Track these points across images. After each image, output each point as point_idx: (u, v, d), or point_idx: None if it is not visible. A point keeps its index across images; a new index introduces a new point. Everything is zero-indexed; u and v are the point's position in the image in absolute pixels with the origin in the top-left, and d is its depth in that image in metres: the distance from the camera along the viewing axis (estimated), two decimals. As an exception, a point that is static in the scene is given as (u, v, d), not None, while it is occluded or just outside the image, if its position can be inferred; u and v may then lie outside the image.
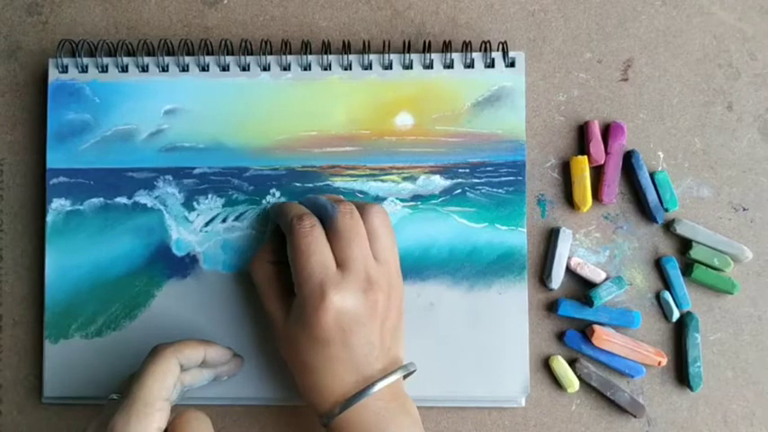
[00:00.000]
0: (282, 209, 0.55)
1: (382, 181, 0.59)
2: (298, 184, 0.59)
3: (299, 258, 0.51)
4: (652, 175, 0.59)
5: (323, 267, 0.51)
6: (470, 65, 0.59)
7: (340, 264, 0.51)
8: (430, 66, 0.59)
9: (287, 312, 0.53)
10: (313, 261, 0.51)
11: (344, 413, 0.50)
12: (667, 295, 0.59)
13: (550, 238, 0.60)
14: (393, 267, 0.54)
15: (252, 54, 0.60)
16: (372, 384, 0.50)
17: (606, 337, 0.58)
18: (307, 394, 0.53)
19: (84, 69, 0.60)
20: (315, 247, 0.51)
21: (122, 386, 0.51)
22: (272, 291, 0.55)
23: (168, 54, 0.60)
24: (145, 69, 0.60)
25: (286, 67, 0.60)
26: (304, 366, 0.52)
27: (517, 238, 0.58)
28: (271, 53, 0.60)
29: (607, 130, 0.60)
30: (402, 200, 0.59)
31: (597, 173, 0.60)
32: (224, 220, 0.59)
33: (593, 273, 0.59)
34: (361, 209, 0.54)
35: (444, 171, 0.59)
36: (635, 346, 0.58)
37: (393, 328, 0.53)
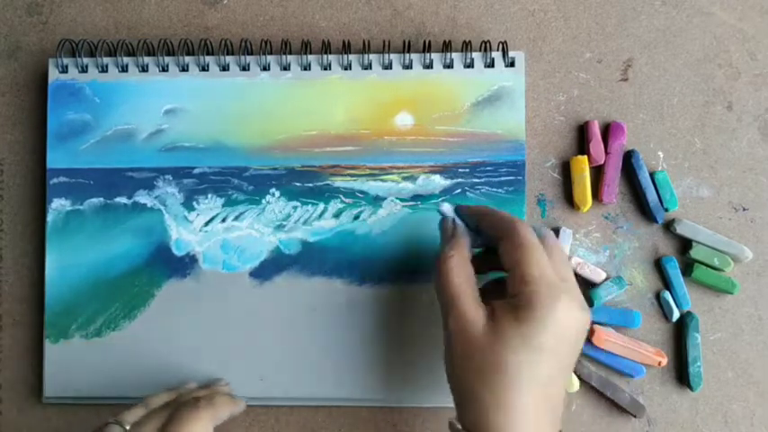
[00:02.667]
0: (490, 210, 0.53)
1: (382, 181, 0.59)
2: (298, 184, 0.59)
3: (532, 258, 0.48)
4: (652, 175, 0.59)
5: (550, 271, 0.48)
6: (470, 65, 0.59)
7: (560, 277, 0.49)
8: (430, 65, 0.59)
9: (482, 314, 0.49)
10: (542, 260, 0.48)
11: None
12: (667, 295, 0.59)
13: (550, 238, 0.60)
14: None
15: (252, 54, 0.60)
16: None
17: (606, 337, 0.58)
18: (479, 411, 0.47)
19: (84, 69, 0.60)
20: (541, 248, 0.49)
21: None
22: (470, 290, 0.50)
23: (168, 54, 0.60)
24: (145, 69, 0.60)
25: (286, 67, 0.60)
26: (496, 377, 0.47)
27: (517, 237, 0.58)
28: (271, 53, 0.60)
29: (607, 130, 0.60)
30: (402, 199, 0.59)
31: (597, 173, 0.60)
32: (224, 220, 0.59)
33: (594, 273, 0.59)
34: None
35: (444, 171, 0.59)
36: (635, 346, 0.58)
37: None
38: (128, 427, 0.50)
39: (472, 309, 0.49)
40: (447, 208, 0.53)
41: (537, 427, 0.47)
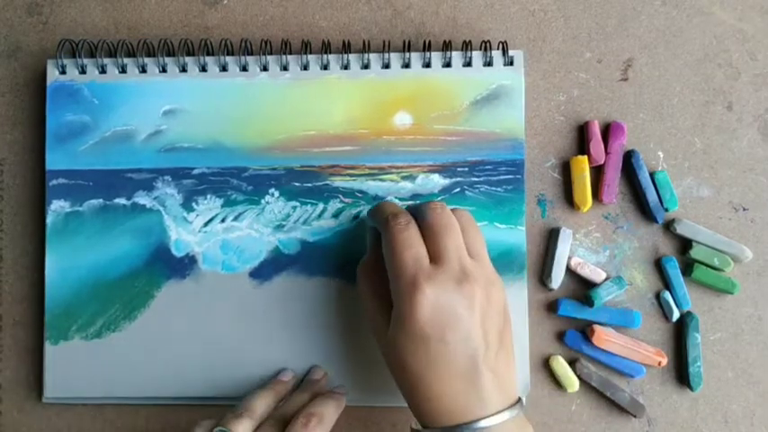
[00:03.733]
0: (377, 209, 0.54)
1: (381, 180, 0.59)
2: (297, 184, 0.59)
3: (393, 254, 0.50)
4: (652, 175, 0.59)
5: (416, 261, 0.49)
6: (469, 63, 0.59)
7: (434, 258, 0.50)
8: (428, 64, 0.59)
9: (388, 319, 0.51)
10: (406, 255, 0.49)
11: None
12: (667, 295, 0.59)
13: (550, 238, 0.60)
14: (488, 264, 0.52)
15: (252, 54, 0.60)
16: (479, 419, 0.48)
17: (606, 337, 0.58)
18: (414, 403, 0.50)
19: (83, 70, 0.60)
20: (409, 241, 0.50)
21: None
22: (376, 298, 0.53)
23: (168, 54, 0.60)
24: (144, 70, 0.60)
25: (285, 67, 0.60)
26: (410, 375, 0.49)
27: (516, 236, 0.58)
28: (271, 53, 0.60)
29: (607, 130, 0.60)
30: (401, 199, 0.59)
31: (597, 173, 0.60)
32: (223, 221, 0.59)
33: (594, 273, 0.59)
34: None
35: (443, 170, 0.59)
36: (635, 346, 0.58)
37: (498, 333, 0.50)
38: None
39: (377, 317, 0.53)
40: (372, 212, 0.55)
41: (466, 403, 0.48)
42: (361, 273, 0.55)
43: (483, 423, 0.47)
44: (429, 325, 0.48)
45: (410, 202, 0.59)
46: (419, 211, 0.52)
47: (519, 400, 0.50)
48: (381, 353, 0.53)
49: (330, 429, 0.53)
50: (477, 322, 0.49)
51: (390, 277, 0.50)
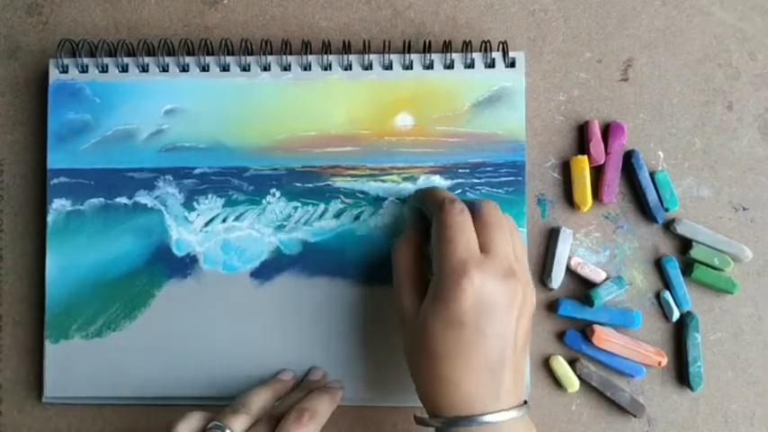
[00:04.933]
0: (431, 192, 0.55)
1: (383, 181, 0.59)
2: (298, 185, 0.59)
3: (445, 236, 0.50)
4: (652, 175, 0.59)
5: (467, 247, 0.49)
6: (470, 65, 0.59)
7: (483, 249, 0.50)
8: (430, 66, 0.59)
9: (420, 300, 0.51)
10: (460, 239, 0.49)
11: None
12: (667, 295, 0.59)
13: (550, 238, 0.60)
14: (527, 268, 0.53)
15: (252, 54, 0.60)
16: (495, 412, 0.48)
17: (606, 337, 0.58)
18: (430, 390, 0.50)
19: (84, 69, 0.60)
20: (463, 225, 0.50)
21: None
22: (410, 277, 0.53)
23: (168, 54, 0.60)
24: (145, 69, 0.60)
25: (286, 68, 0.60)
26: (434, 357, 0.49)
27: (517, 238, 0.58)
28: (271, 53, 0.60)
29: (607, 130, 0.60)
30: (402, 200, 0.59)
31: (597, 173, 0.60)
32: (224, 221, 0.59)
33: (594, 272, 0.59)
34: None
35: (444, 171, 0.59)
36: (635, 346, 0.58)
37: (525, 334, 0.51)
38: None
39: (408, 297, 0.52)
40: (420, 195, 0.56)
41: (487, 395, 0.48)
42: (397, 250, 0.55)
43: (493, 417, 0.48)
44: (469, 312, 0.48)
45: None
46: (473, 205, 0.52)
47: (526, 402, 0.50)
48: (404, 332, 0.53)
49: (324, 423, 0.52)
50: (514, 319, 0.49)
51: (436, 258, 0.50)
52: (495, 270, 0.49)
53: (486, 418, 0.48)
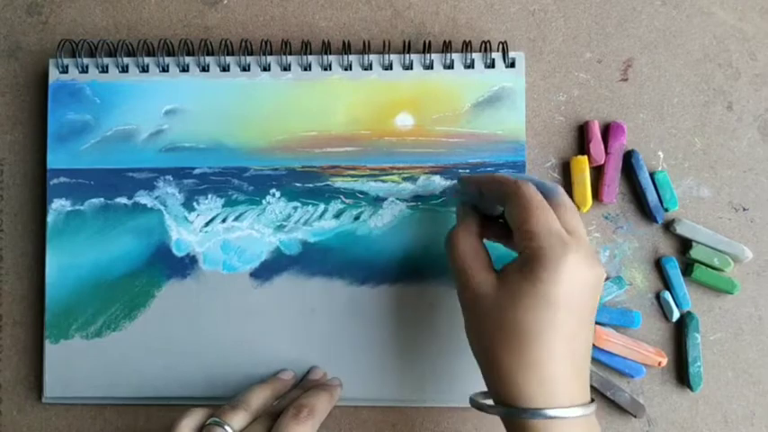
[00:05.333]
0: (493, 177, 0.53)
1: (383, 181, 0.59)
2: (298, 185, 0.59)
3: (535, 214, 0.48)
4: (652, 175, 0.59)
5: (557, 226, 0.48)
6: (470, 65, 0.59)
7: (567, 232, 0.48)
8: (430, 66, 0.59)
9: (493, 279, 0.49)
10: (548, 216, 0.48)
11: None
12: (667, 295, 0.59)
13: (550, 238, 0.60)
14: None
15: (252, 54, 0.60)
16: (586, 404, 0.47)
17: (606, 337, 0.58)
18: (507, 377, 0.47)
19: (84, 69, 0.60)
20: (546, 205, 0.49)
21: None
22: (477, 260, 0.51)
23: (168, 54, 0.60)
24: (145, 69, 0.60)
25: (286, 68, 0.60)
26: (521, 336, 0.47)
27: (517, 238, 0.58)
28: (271, 53, 0.60)
29: (607, 130, 0.60)
30: (402, 200, 0.59)
31: (597, 173, 0.60)
32: (224, 221, 0.59)
33: (594, 273, 0.59)
34: None
35: (444, 171, 0.59)
36: (635, 346, 0.58)
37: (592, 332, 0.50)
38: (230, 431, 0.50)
39: (481, 274, 0.50)
40: (451, 186, 0.57)
41: (565, 384, 0.47)
42: (457, 237, 0.52)
43: (563, 412, 0.46)
44: (566, 293, 0.46)
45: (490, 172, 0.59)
46: (544, 186, 0.51)
47: (593, 400, 0.49)
48: (473, 314, 0.50)
49: (322, 420, 0.52)
50: (592, 308, 0.48)
51: (528, 236, 0.48)
52: (585, 254, 0.47)
53: (554, 413, 0.46)
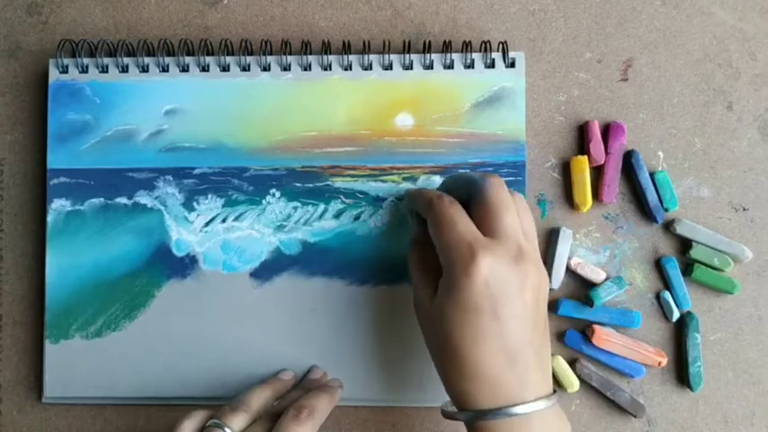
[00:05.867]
0: (417, 194, 0.54)
1: (383, 181, 0.59)
2: (298, 185, 0.59)
3: (443, 228, 0.49)
4: (652, 175, 0.59)
5: (471, 233, 0.48)
6: (470, 65, 0.59)
7: (489, 233, 0.49)
8: (430, 66, 0.59)
9: (434, 289, 0.50)
10: (460, 227, 0.49)
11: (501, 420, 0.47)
12: (667, 295, 0.59)
13: (550, 239, 0.60)
14: (537, 249, 0.51)
15: (252, 54, 0.60)
16: (521, 402, 0.47)
17: (606, 337, 0.58)
18: (455, 382, 0.49)
19: (84, 69, 0.60)
20: (459, 217, 0.49)
21: None
22: (423, 273, 0.53)
23: (168, 54, 0.60)
24: (145, 69, 0.60)
25: (286, 68, 0.60)
26: (454, 349, 0.48)
27: (517, 238, 0.58)
28: (271, 53, 0.60)
29: (607, 130, 0.60)
30: (403, 200, 0.59)
31: (597, 173, 0.60)
32: (224, 221, 0.59)
33: (594, 273, 0.59)
34: None
35: (444, 171, 0.59)
36: (635, 346, 0.58)
37: (543, 317, 0.50)
38: None
39: (423, 290, 0.52)
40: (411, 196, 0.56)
41: (512, 383, 0.47)
42: (410, 252, 0.55)
43: (521, 409, 0.47)
44: (482, 296, 0.47)
45: (464, 171, 0.59)
46: (475, 185, 0.51)
47: (555, 391, 0.49)
48: (422, 327, 0.52)
49: (322, 422, 0.52)
50: (530, 302, 0.48)
51: (441, 252, 0.49)
52: (503, 252, 0.48)
53: (515, 410, 0.47)
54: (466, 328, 0.47)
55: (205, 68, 0.60)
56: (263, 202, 0.59)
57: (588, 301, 0.58)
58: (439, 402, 0.59)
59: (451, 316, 0.48)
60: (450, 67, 0.59)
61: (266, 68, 0.60)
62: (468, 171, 0.56)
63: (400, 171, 0.59)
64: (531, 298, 0.48)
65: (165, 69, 0.60)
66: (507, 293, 0.47)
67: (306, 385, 0.57)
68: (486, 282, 0.47)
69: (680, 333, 0.59)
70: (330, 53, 0.59)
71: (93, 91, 0.60)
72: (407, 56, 0.59)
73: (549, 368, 0.50)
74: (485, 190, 0.50)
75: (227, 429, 0.49)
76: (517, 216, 0.50)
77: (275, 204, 0.59)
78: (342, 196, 0.59)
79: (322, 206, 0.59)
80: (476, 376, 0.48)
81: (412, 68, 0.59)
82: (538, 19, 0.62)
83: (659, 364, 0.58)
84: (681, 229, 0.59)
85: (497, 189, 0.50)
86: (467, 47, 0.59)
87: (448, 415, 0.51)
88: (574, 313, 0.59)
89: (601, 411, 0.59)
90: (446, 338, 0.49)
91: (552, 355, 0.59)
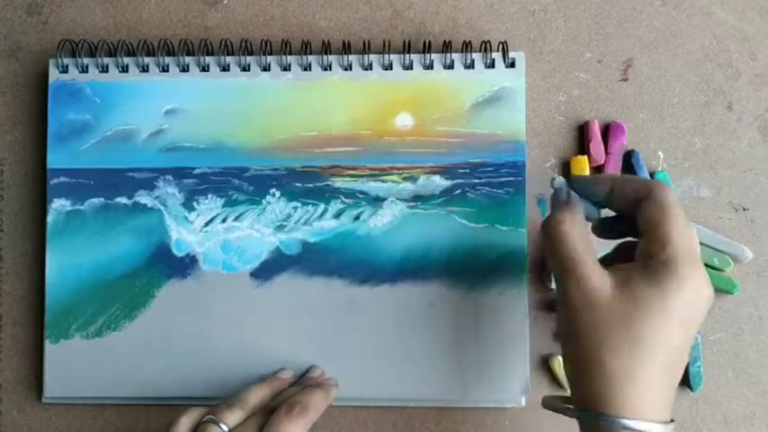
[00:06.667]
0: (630, 177, 0.52)
1: (383, 181, 0.59)
2: (298, 185, 0.59)
3: (672, 216, 0.45)
4: (652, 175, 0.59)
5: (692, 239, 0.46)
6: (471, 65, 0.59)
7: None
8: (430, 66, 0.59)
9: (613, 281, 0.46)
10: (687, 225, 0.46)
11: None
12: (667, 295, 0.59)
13: (550, 238, 0.60)
14: None
15: (252, 54, 0.60)
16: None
17: (606, 337, 0.58)
18: (603, 381, 0.45)
19: (84, 69, 0.60)
20: (685, 213, 0.46)
21: None
22: (590, 254, 0.47)
23: (168, 54, 0.60)
24: (145, 69, 0.60)
25: (286, 68, 0.60)
26: (631, 341, 0.45)
27: (517, 238, 0.58)
28: (271, 53, 0.60)
29: (607, 130, 0.60)
30: (402, 200, 0.59)
31: (597, 173, 0.60)
32: (224, 221, 0.59)
33: (594, 273, 0.59)
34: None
35: (444, 171, 0.59)
36: (635, 346, 0.58)
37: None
38: (226, 429, 0.50)
39: (597, 275, 0.47)
40: (560, 182, 0.52)
41: (661, 401, 0.45)
42: (562, 223, 0.48)
43: (644, 426, 0.44)
44: (686, 310, 0.45)
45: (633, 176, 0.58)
46: (654, 188, 0.48)
47: (672, 421, 0.46)
48: (580, 314, 0.47)
49: (316, 419, 0.52)
50: (698, 330, 0.47)
51: (668, 246, 0.45)
52: (704, 272, 0.46)
53: (632, 424, 0.44)
54: (659, 330, 0.45)
55: (205, 68, 0.60)
56: (263, 202, 0.59)
57: (588, 301, 0.58)
58: (439, 402, 0.59)
59: (651, 313, 0.45)
60: (450, 67, 0.59)
61: (266, 68, 0.60)
62: (641, 177, 0.54)
63: (400, 171, 0.59)
64: (699, 327, 0.47)
65: (165, 69, 0.60)
66: (700, 315, 0.46)
67: (303, 384, 0.57)
68: (696, 296, 0.45)
69: (680, 333, 0.59)
70: (330, 53, 0.60)
71: (94, 91, 0.60)
72: (407, 56, 0.59)
73: (673, 397, 0.47)
74: (667, 197, 0.47)
75: (222, 425, 0.49)
76: None
77: (275, 204, 0.59)
78: (342, 196, 0.59)
79: (322, 206, 0.59)
80: (637, 376, 0.45)
81: (412, 68, 0.59)
82: (538, 19, 0.62)
83: (659, 364, 0.58)
84: (681, 229, 0.59)
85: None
86: (467, 47, 0.59)
87: (557, 408, 0.48)
88: (574, 313, 0.58)
89: (601, 411, 0.59)
90: (631, 333, 0.45)
91: (552, 355, 0.59)
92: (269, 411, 0.52)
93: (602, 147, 0.59)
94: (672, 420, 0.46)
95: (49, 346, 0.59)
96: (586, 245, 0.48)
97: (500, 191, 0.59)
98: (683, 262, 0.45)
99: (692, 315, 0.45)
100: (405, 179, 0.59)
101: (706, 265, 0.58)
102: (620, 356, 0.45)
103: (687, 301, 0.45)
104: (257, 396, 0.54)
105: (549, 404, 0.50)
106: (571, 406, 0.48)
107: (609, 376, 0.45)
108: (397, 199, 0.59)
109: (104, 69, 0.60)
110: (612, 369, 0.45)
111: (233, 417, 0.51)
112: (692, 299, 0.45)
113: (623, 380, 0.45)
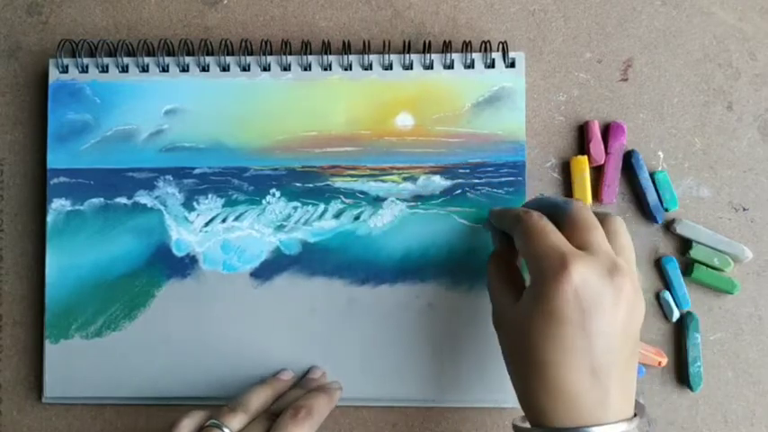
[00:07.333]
0: (503, 211, 0.54)
1: (383, 181, 0.59)
2: (298, 185, 0.59)
3: (534, 238, 0.48)
4: (652, 175, 0.59)
5: (563, 243, 0.47)
6: (471, 65, 0.59)
7: (580, 248, 0.47)
8: (430, 66, 0.59)
9: (516, 299, 0.49)
10: (552, 237, 0.47)
11: None
12: (667, 295, 0.59)
13: (550, 238, 0.60)
14: (635, 271, 0.49)
15: (252, 54, 0.60)
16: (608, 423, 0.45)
17: (606, 337, 0.58)
18: (533, 395, 0.47)
19: (84, 69, 0.60)
20: (550, 228, 0.48)
21: None
22: (505, 282, 0.52)
23: (168, 54, 0.60)
24: (145, 69, 0.60)
25: (286, 68, 0.60)
26: (534, 360, 0.46)
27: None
28: (271, 53, 0.60)
29: (607, 130, 0.60)
30: (402, 200, 0.59)
31: (597, 173, 0.60)
32: (224, 221, 0.59)
33: (594, 273, 0.59)
34: (597, 215, 0.51)
35: (444, 171, 0.59)
36: (635, 346, 0.58)
37: (635, 337, 0.48)
38: None
39: (504, 296, 0.51)
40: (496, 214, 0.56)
41: (595, 401, 0.46)
42: (490, 262, 0.54)
43: (599, 430, 0.45)
44: (570, 307, 0.45)
45: (545, 195, 0.60)
46: (559, 207, 0.51)
47: (635, 415, 0.48)
48: (502, 339, 0.51)
49: (320, 422, 0.52)
50: (621, 318, 0.46)
51: (532, 261, 0.48)
52: (596, 264, 0.46)
53: (592, 430, 0.45)
54: (550, 339, 0.46)
55: (205, 68, 0.60)
56: (263, 202, 0.59)
57: (588, 301, 0.58)
58: (439, 402, 0.59)
59: (537, 326, 0.46)
60: (450, 67, 0.59)
61: (266, 68, 0.60)
62: (549, 196, 0.58)
63: (400, 171, 0.59)
64: (623, 315, 0.46)
65: (165, 69, 0.60)
66: (598, 307, 0.45)
67: (305, 385, 0.57)
68: (577, 291, 0.45)
69: (680, 333, 0.59)
70: (330, 53, 0.60)
71: (94, 91, 0.60)
72: (407, 56, 0.59)
73: (632, 391, 0.48)
74: (571, 211, 0.50)
75: (225, 429, 0.49)
76: (605, 236, 0.49)
77: (275, 204, 0.59)
78: (342, 196, 0.59)
79: (322, 206, 0.59)
80: (556, 392, 0.46)
81: (412, 68, 0.59)
82: (538, 19, 0.62)
83: (659, 364, 0.58)
84: (681, 229, 0.59)
85: (584, 210, 0.50)
86: (467, 47, 0.59)
87: (520, 431, 0.49)
88: (574, 313, 0.59)
89: (601, 411, 0.59)
90: (528, 350, 0.47)
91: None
92: (272, 415, 0.52)
93: (602, 147, 0.59)
94: (635, 415, 0.48)
95: (48, 346, 0.59)
96: (497, 273, 0.53)
97: (500, 191, 0.59)
98: (548, 268, 0.46)
99: (583, 312, 0.45)
100: (405, 179, 0.59)
101: (706, 265, 0.58)
102: (530, 373, 0.47)
103: (567, 302, 0.45)
104: (260, 399, 0.54)
105: (517, 429, 0.50)
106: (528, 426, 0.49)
107: (529, 389, 0.48)
108: (397, 199, 0.59)
109: (104, 69, 0.60)
110: (528, 382, 0.48)
111: (236, 420, 0.51)
112: (570, 297, 0.45)
113: (540, 390, 0.47)
